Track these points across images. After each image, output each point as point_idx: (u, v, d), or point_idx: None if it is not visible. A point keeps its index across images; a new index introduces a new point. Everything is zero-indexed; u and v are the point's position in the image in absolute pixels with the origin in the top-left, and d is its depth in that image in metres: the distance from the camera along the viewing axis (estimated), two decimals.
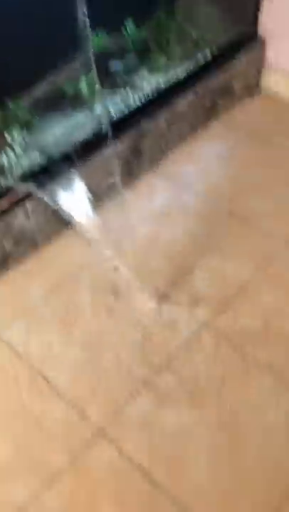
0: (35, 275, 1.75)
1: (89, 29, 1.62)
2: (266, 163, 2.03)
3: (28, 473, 1.34)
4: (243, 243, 1.79)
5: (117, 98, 1.92)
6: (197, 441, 1.37)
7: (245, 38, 2.18)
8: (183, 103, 2.04)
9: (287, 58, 2.19)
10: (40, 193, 1.68)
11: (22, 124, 1.79)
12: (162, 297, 1.64)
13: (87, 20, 1.60)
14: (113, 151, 1.76)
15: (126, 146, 1.91)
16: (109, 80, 1.94)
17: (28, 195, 1.71)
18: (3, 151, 1.74)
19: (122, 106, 1.90)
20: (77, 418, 1.42)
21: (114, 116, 1.87)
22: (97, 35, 1.90)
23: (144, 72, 1.99)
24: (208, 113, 2.16)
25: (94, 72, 1.71)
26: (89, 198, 1.67)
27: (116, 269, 1.63)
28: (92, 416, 1.42)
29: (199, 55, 2.06)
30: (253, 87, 2.27)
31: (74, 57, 1.81)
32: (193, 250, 1.77)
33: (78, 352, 1.55)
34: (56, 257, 1.80)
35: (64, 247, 1.82)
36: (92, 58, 1.68)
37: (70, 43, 1.68)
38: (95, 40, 1.82)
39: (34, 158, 1.75)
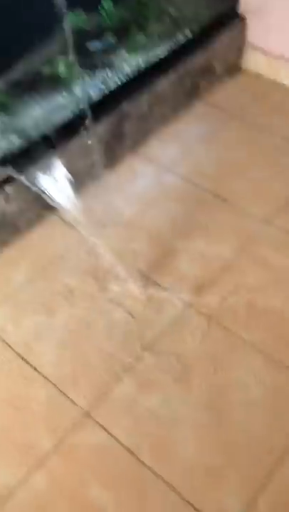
0: (17, 260, 1.73)
1: (66, 7, 1.58)
2: (248, 143, 2.02)
3: (15, 457, 1.34)
4: (226, 224, 1.78)
5: (97, 79, 1.89)
6: (183, 420, 1.37)
7: (226, 17, 2.16)
8: (164, 84, 2.02)
9: (267, 37, 2.17)
10: (20, 177, 1.65)
11: None
12: (146, 279, 1.63)
13: None
14: (94, 134, 1.74)
15: (107, 128, 1.89)
16: (88, 61, 1.91)
17: (8, 180, 1.68)
18: None
19: (102, 87, 1.87)
20: (62, 401, 1.41)
21: (94, 97, 1.84)
22: (74, 14, 1.87)
23: (123, 53, 1.96)
24: (189, 94, 2.14)
25: (72, 53, 1.68)
26: (70, 181, 1.64)
27: (99, 252, 1.61)
28: (78, 399, 1.42)
29: (179, 35, 2.03)
30: (233, 67, 2.25)
31: (51, 37, 1.78)
32: (177, 232, 1.76)
33: (62, 336, 1.54)
34: (38, 242, 1.78)
35: (46, 231, 1.80)
36: (70, 38, 1.65)
37: (47, 23, 1.64)
38: (72, 19, 1.78)
39: (13, 142, 1.72)
